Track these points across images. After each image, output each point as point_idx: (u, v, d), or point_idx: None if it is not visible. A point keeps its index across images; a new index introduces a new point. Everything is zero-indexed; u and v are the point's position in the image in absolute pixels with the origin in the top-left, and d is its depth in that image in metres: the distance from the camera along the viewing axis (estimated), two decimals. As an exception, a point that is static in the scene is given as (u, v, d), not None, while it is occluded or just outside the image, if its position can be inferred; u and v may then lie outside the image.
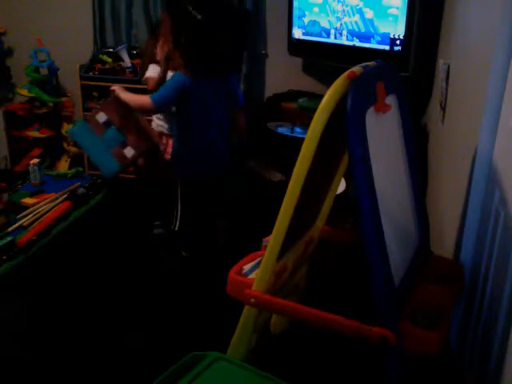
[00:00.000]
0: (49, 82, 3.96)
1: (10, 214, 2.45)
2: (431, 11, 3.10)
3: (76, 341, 2.26)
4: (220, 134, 2.71)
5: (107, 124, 2.52)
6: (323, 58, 3.59)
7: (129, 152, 2.52)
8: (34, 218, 2.45)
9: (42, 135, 4.08)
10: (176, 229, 2.85)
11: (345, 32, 3.39)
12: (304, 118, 3.48)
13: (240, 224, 3.19)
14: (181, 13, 2.50)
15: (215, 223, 3.01)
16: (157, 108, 2.57)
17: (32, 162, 2.85)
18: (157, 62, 2.92)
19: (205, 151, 2.68)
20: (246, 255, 1.87)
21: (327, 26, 3.47)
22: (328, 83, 1.46)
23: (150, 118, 2.98)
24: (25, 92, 4.00)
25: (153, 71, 2.91)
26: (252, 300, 1.62)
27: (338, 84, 1.42)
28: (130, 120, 2.56)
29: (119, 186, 3.41)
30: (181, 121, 2.65)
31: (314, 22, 3.53)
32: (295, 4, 3.58)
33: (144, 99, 2.55)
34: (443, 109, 2.54)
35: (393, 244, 1.56)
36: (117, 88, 2.63)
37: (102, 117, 2.52)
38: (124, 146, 2.52)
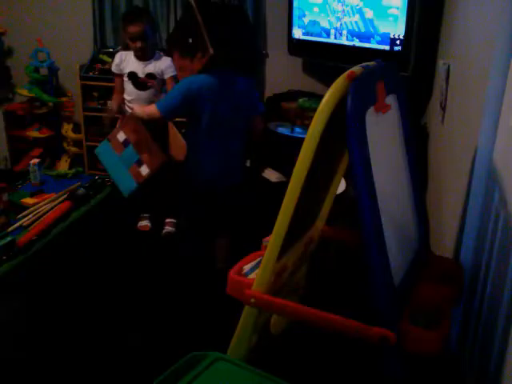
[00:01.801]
0: (49, 81, 3.96)
1: (10, 214, 2.45)
2: (431, 11, 3.10)
3: (76, 341, 2.26)
4: (237, 141, 2.59)
5: (126, 143, 2.53)
6: (323, 58, 3.59)
7: (144, 170, 2.52)
8: (34, 218, 2.45)
9: (42, 135, 4.08)
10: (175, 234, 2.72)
11: (345, 32, 3.38)
12: (304, 117, 3.48)
13: (240, 224, 3.19)
14: (186, 19, 2.44)
15: (215, 244, 2.80)
16: (164, 115, 2.45)
17: (32, 161, 2.85)
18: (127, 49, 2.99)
19: (217, 159, 2.54)
20: (246, 255, 1.87)
21: (327, 26, 3.47)
22: (328, 83, 1.46)
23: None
24: (25, 92, 4.01)
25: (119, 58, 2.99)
26: (252, 300, 1.62)
27: (338, 84, 1.42)
28: (142, 137, 2.55)
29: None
30: (192, 129, 2.53)
31: (314, 22, 3.53)
32: (295, 4, 3.58)
33: (151, 108, 2.48)
34: (443, 109, 2.54)
35: (393, 244, 1.56)
36: (136, 107, 2.57)
37: (121, 136, 2.53)
38: (140, 164, 2.52)
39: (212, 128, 2.48)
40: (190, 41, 2.45)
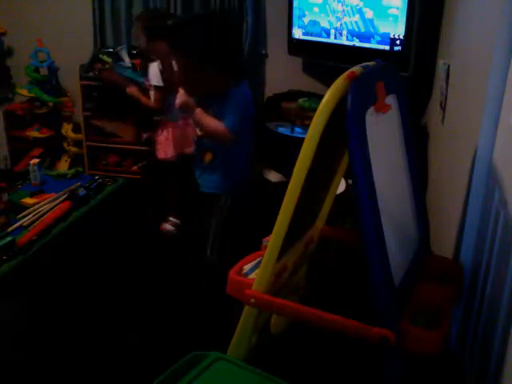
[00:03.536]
0: (49, 81, 3.97)
1: (10, 214, 2.45)
2: (431, 11, 3.10)
3: (76, 341, 2.26)
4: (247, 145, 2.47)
5: None
6: (323, 58, 3.59)
7: None
8: (34, 217, 2.45)
9: (42, 135, 4.08)
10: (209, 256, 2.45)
11: (345, 32, 3.38)
12: (304, 117, 3.49)
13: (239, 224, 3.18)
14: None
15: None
16: (232, 138, 2.24)
17: (32, 161, 2.85)
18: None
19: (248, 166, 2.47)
20: (246, 255, 1.87)
21: (327, 26, 3.47)
22: (328, 83, 1.46)
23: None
24: (25, 92, 4.01)
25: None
26: (252, 300, 1.62)
27: (338, 84, 1.42)
28: None
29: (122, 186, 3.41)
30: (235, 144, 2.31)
31: (314, 22, 3.53)
32: (295, 4, 3.58)
33: (219, 126, 2.23)
34: (443, 109, 2.54)
35: (393, 244, 1.56)
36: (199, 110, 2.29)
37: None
38: None
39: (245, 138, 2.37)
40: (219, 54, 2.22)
